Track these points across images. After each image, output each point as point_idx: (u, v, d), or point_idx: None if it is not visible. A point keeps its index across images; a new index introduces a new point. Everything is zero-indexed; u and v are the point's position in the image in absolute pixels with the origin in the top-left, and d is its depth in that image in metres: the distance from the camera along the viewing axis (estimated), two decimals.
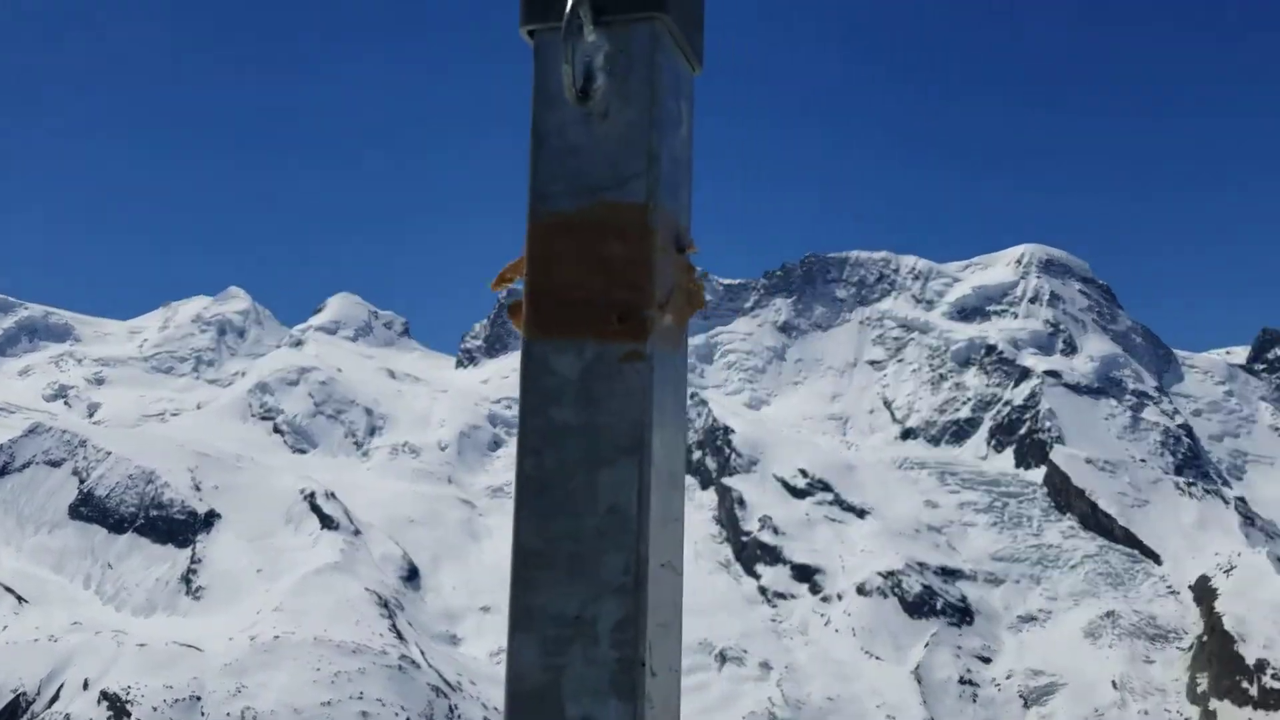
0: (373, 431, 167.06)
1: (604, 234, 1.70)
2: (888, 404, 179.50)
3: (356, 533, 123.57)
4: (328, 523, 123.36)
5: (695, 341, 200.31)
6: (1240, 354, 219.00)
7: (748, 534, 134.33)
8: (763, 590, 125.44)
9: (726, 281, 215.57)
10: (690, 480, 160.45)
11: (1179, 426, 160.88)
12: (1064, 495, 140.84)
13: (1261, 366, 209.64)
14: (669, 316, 1.72)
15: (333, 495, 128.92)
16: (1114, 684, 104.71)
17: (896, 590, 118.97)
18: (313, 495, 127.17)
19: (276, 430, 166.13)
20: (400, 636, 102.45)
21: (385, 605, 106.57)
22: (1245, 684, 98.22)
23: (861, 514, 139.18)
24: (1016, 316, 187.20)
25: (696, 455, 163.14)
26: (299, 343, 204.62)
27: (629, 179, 1.71)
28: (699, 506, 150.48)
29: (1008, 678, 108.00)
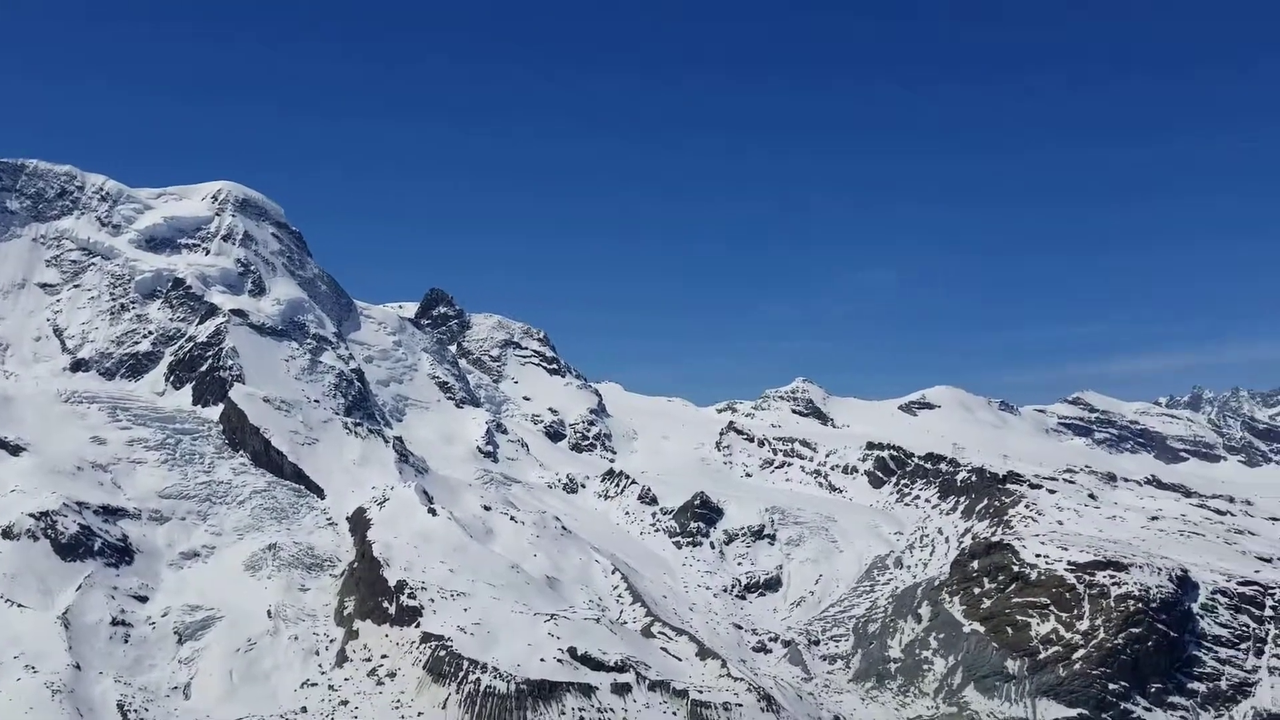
0: None
1: None
2: (59, 332, 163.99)
3: None
4: None
5: None
6: (411, 309, 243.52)
7: None
8: None
9: None
10: None
11: (352, 371, 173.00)
12: (239, 433, 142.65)
13: (427, 322, 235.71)
14: None
15: None
16: (269, 613, 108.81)
17: (49, 532, 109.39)
18: None
19: None
20: None
21: None
22: (386, 604, 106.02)
23: (16, 451, 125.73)
24: (208, 253, 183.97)
25: None
26: None
27: None
28: None
29: (164, 615, 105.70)
